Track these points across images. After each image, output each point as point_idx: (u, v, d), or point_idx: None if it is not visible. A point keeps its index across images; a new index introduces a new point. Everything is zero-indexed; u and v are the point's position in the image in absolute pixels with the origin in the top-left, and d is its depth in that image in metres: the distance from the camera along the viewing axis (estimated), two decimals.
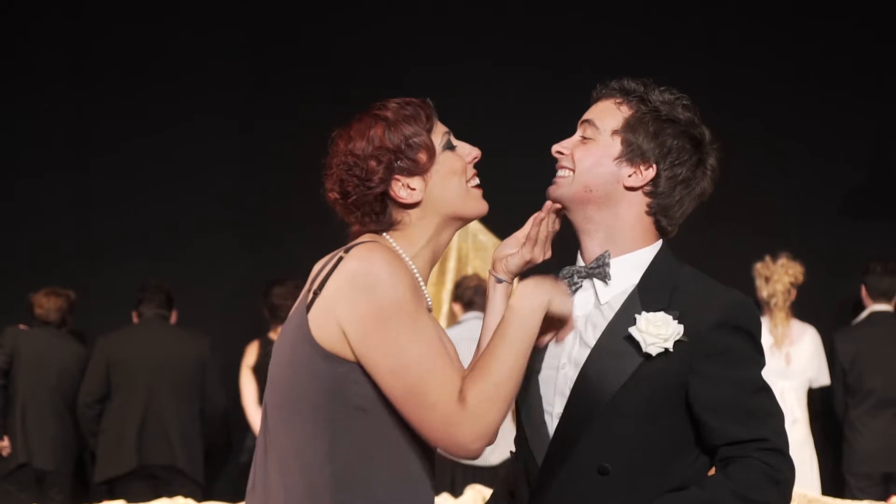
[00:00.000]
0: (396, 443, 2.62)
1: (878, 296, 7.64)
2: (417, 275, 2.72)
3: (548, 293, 2.64)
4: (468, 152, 2.77)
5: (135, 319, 7.71)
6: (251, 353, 7.60)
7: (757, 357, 2.71)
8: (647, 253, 2.78)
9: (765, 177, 8.04)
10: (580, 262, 2.82)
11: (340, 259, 2.65)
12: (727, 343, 2.67)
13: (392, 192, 2.69)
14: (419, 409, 2.55)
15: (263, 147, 8.51)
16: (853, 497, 6.90)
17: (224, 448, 8.11)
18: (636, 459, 2.65)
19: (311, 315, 2.64)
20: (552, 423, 2.72)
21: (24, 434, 7.58)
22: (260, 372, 7.54)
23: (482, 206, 2.78)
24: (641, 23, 8.40)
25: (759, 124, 8.09)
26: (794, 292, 7.44)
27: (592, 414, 2.66)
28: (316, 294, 2.65)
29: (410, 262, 2.72)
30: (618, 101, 2.81)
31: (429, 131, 2.72)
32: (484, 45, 8.26)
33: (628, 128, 2.77)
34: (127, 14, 8.55)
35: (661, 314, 2.66)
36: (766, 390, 2.70)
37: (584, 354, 2.72)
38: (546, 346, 2.76)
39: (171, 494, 6.49)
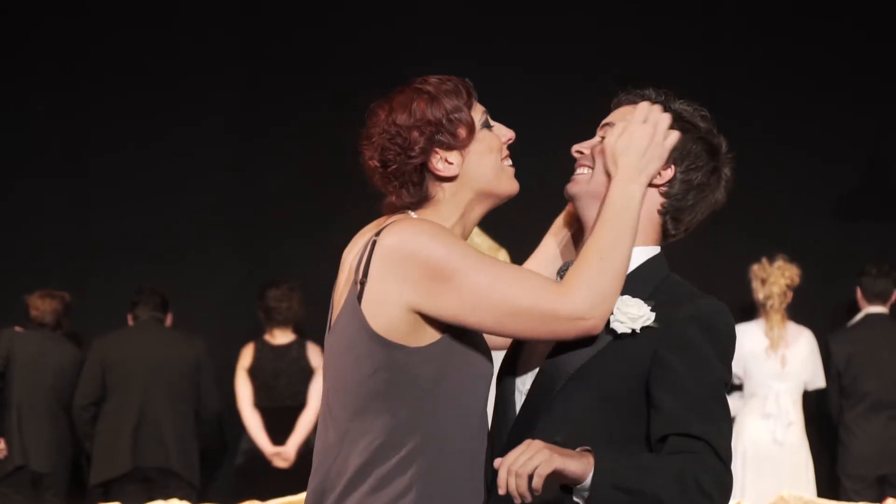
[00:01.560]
0: (462, 419, 2.68)
1: (872, 298, 7.65)
2: None
3: (659, 161, 2.73)
4: (505, 133, 2.82)
5: (130, 322, 7.71)
6: (246, 356, 7.60)
7: (720, 364, 2.70)
8: (644, 252, 2.80)
9: (761, 179, 8.04)
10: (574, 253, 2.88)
11: (374, 243, 2.68)
12: (695, 339, 2.68)
13: (430, 165, 2.74)
14: (522, 321, 2.62)
15: (259, 150, 8.50)
16: (848, 499, 6.91)
17: (219, 451, 8.11)
18: (586, 437, 2.64)
19: (364, 305, 2.67)
20: (520, 401, 2.77)
21: (20, 436, 7.57)
22: (255, 374, 7.55)
23: (514, 185, 2.83)
24: (639, 24, 8.40)
25: (754, 126, 8.08)
26: (790, 294, 7.45)
27: (554, 389, 2.70)
28: (363, 284, 2.68)
29: None
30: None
31: (469, 108, 2.77)
32: (482, 45, 8.26)
33: None
34: (125, 18, 8.54)
35: (636, 299, 2.70)
36: (722, 399, 2.70)
37: None
38: None
39: (165, 497, 6.48)
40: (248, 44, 8.61)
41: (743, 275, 7.51)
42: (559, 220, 3.03)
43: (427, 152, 2.73)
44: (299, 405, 7.53)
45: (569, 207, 2.98)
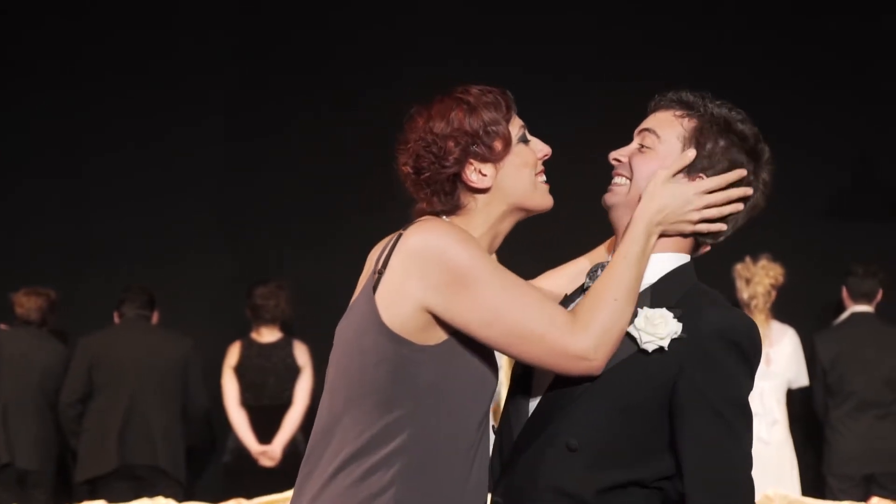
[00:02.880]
0: (458, 422, 2.67)
1: (859, 297, 7.67)
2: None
3: (686, 226, 2.74)
4: (541, 148, 2.83)
5: (116, 320, 7.70)
6: (233, 354, 7.60)
7: (745, 379, 2.71)
8: (674, 259, 2.80)
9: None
10: (608, 257, 2.87)
11: (400, 236, 2.69)
12: (720, 355, 2.67)
13: (464, 175, 2.75)
14: (529, 344, 2.63)
15: (248, 150, 8.51)
16: (834, 498, 6.92)
17: (206, 448, 8.11)
18: (605, 442, 2.66)
19: (379, 296, 2.67)
20: (534, 404, 2.75)
21: (7, 434, 7.56)
22: (242, 372, 7.54)
23: (548, 201, 2.84)
24: (637, 23, 8.41)
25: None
26: (774, 294, 7.47)
27: (574, 392, 2.68)
28: (380, 274, 2.68)
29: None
30: (678, 113, 2.81)
31: (507, 121, 2.77)
32: (481, 45, 8.26)
33: (692, 142, 2.78)
34: (121, 19, 8.55)
35: (662, 311, 2.68)
36: (748, 416, 2.70)
37: None
38: None
39: (152, 494, 6.48)
40: (243, 45, 8.62)
41: (727, 274, 7.52)
42: (601, 247, 3.04)
43: (462, 163, 2.74)
44: (286, 404, 7.53)
45: (611, 240, 2.97)
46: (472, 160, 2.74)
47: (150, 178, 8.48)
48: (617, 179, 2.83)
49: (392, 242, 2.70)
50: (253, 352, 7.57)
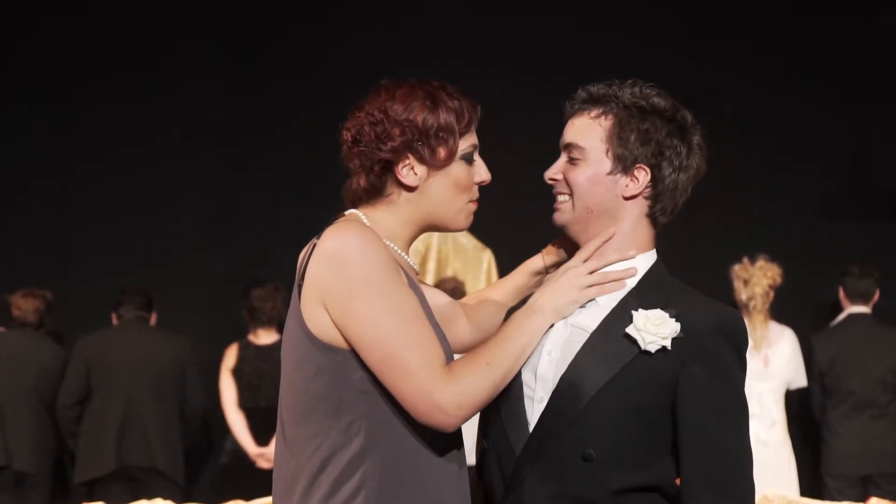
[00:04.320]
0: (411, 420, 2.62)
1: (855, 298, 7.67)
2: (399, 251, 2.73)
3: (570, 306, 2.72)
4: (482, 174, 2.77)
5: (114, 321, 7.69)
6: (230, 356, 7.59)
7: (740, 373, 2.73)
8: (645, 259, 2.80)
9: (743, 179, 8.07)
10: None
11: (315, 245, 2.65)
12: (719, 351, 2.69)
13: (396, 166, 2.70)
14: (397, 377, 2.56)
15: (243, 150, 8.51)
16: (831, 498, 6.93)
17: (204, 450, 8.10)
18: (621, 449, 2.67)
19: (302, 306, 2.64)
20: (533, 408, 2.73)
21: (4, 436, 7.55)
22: (239, 374, 7.54)
23: (464, 224, 2.79)
24: (624, 23, 8.41)
25: (737, 126, 8.11)
26: (772, 294, 7.47)
27: (581, 401, 2.67)
28: (300, 285, 2.65)
29: (389, 242, 2.71)
30: (593, 114, 2.80)
31: (461, 134, 2.72)
32: (480, 46, 8.26)
33: (614, 139, 2.77)
34: (118, 20, 8.54)
35: (659, 312, 2.68)
36: (745, 407, 2.73)
37: (575, 342, 2.73)
38: None
39: (150, 496, 6.47)
40: (238, 45, 8.62)
41: (724, 275, 7.52)
42: (537, 257, 3.03)
43: (398, 154, 2.68)
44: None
45: (551, 244, 2.99)
46: (409, 155, 2.69)
47: (147, 179, 8.47)
48: (560, 198, 2.82)
49: (310, 249, 2.66)
50: (250, 354, 7.57)
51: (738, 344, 2.72)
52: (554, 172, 2.82)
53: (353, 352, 2.60)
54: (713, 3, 8.54)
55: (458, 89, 2.74)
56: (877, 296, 7.68)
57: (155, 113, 8.49)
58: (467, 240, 7.91)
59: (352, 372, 2.61)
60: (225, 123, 8.55)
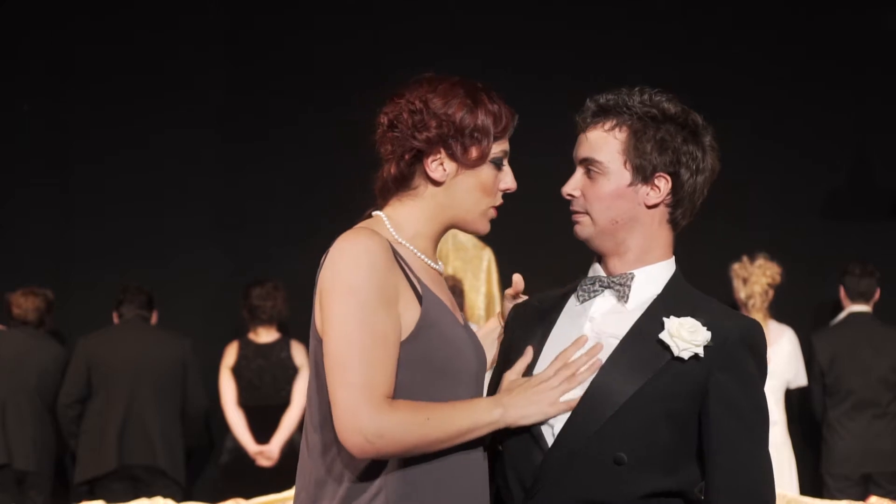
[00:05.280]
0: None
1: (856, 297, 7.66)
2: (418, 252, 2.73)
3: (537, 417, 2.68)
4: (507, 182, 2.77)
5: (115, 320, 7.69)
6: (230, 354, 7.59)
7: (761, 383, 2.78)
8: (667, 268, 2.83)
9: (745, 177, 8.06)
10: (600, 272, 2.84)
11: (330, 249, 2.67)
12: (745, 361, 2.73)
13: (426, 158, 2.71)
14: (338, 385, 2.54)
15: (244, 150, 8.51)
16: (832, 498, 6.93)
17: (204, 448, 8.11)
18: (651, 454, 2.69)
19: (315, 309, 2.66)
20: (559, 417, 2.72)
21: (4, 435, 7.55)
22: (239, 373, 7.54)
23: (483, 229, 2.80)
24: (624, 25, 8.41)
25: (737, 125, 8.10)
26: (771, 293, 7.46)
27: (612, 406, 2.68)
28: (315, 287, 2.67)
29: (408, 243, 2.71)
30: (606, 126, 2.80)
31: (496, 139, 2.72)
32: (474, 47, 8.26)
33: (631, 151, 2.77)
34: (113, 24, 8.55)
35: (692, 320, 2.71)
36: (767, 418, 2.78)
37: (601, 352, 2.74)
38: (544, 340, 2.80)
39: (151, 495, 6.48)
40: (237, 48, 8.62)
41: (724, 274, 7.52)
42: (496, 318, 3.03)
43: (431, 145, 2.69)
44: (283, 404, 7.53)
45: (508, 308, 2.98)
46: (442, 149, 2.69)
47: (147, 179, 8.47)
48: (578, 212, 2.82)
49: (326, 255, 2.68)
50: (250, 352, 7.57)
51: (761, 354, 2.77)
52: (572, 188, 2.82)
53: None
54: (713, 3, 8.53)
55: (500, 97, 2.76)
56: (877, 295, 7.68)
57: (155, 113, 8.49)
58: (467, 238, 7.90)
59: None
60: (225, 123, 8.55)
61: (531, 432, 2.72)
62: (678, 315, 2.72)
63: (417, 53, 8.17)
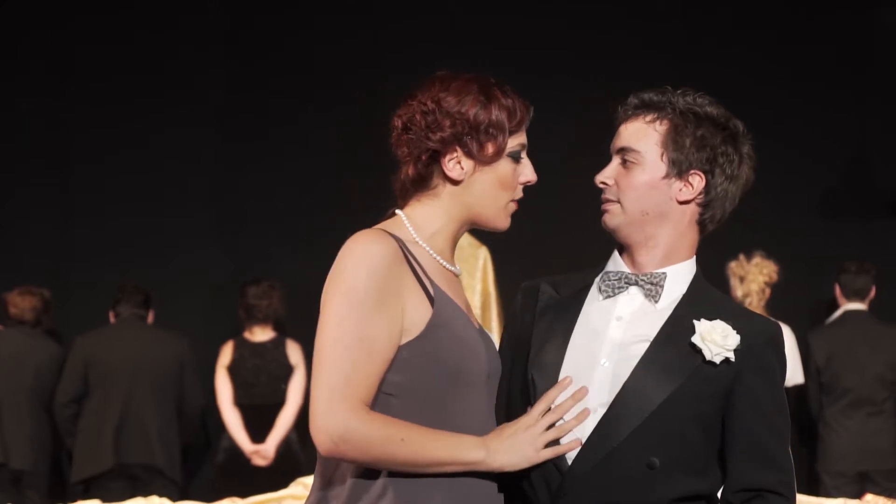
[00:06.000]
0: (440, 422, 2.61)
1: (851, 295, 7.67)
2: (436, 255, 2.72)
3: (522, 464, 2.64)
4: (527, 174, 2.76)
5: (112, 319, 7.69)
6: (226, 354, 7.59)
7: (783, 383, 2.81)
8: (690, 267, 2.83)
9: None
10: (622, 266, 2.82)
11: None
12: (771, 363, 2.76)
13: (443, 158, 2.69)
14: (319, 380, 2.55)
15: (243, 151, 8.51)
16: (828, 495, 6.93)
17: (201, 447, 8.10)
18: (684, 457, 2.70)
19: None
20: (587, 420, 2.71)
21: (1, 434, 7.55)
22: (235, 372, 7.54)
23: (504, 224, 2.78)
24: (624, 25, 8.41)
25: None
26: (768, 291, 7.47)
27: (644, 411, 2.68)
28: None
29: (425, 244, 2.70)
30: (647, 119, 2.80)
31: (512, 133, 2.71)
32: (471, 47, 8.26)
33: (670, 144, 2.77)
34: (113, 24, 8.55)
35: (722, 323, 2.71)
36: (789, 419, 2.80)
37: (631, 353, 2.73)
38: (559, 344, 2.78)
39: (147, 494, 6.47)
40: (236, 48, 8.62)
41: (721, 272, 7.52)
42: None
43: (447, 145, 2.68)
44: (279, 403, 7.52)
45: None
46: (458, 148, 2.68)
47: (146, 179, 8.47)
48: (609, 204, 2.81)
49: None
50: (246, 351, 7.56)
51: (784, 357, 2.79)
52: (606, 176, 2.81)
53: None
54: (713, 3, 8.53)
55: (512, 90, 2.74)
56: (873, 293, 7.69)
57: (154, 113, 8.49)
58: (463, 237, 7.89)
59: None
60: (224, 124, 8.55)
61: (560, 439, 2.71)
62: (705, 316, 2.73)
63: (417, 53, 8.17)
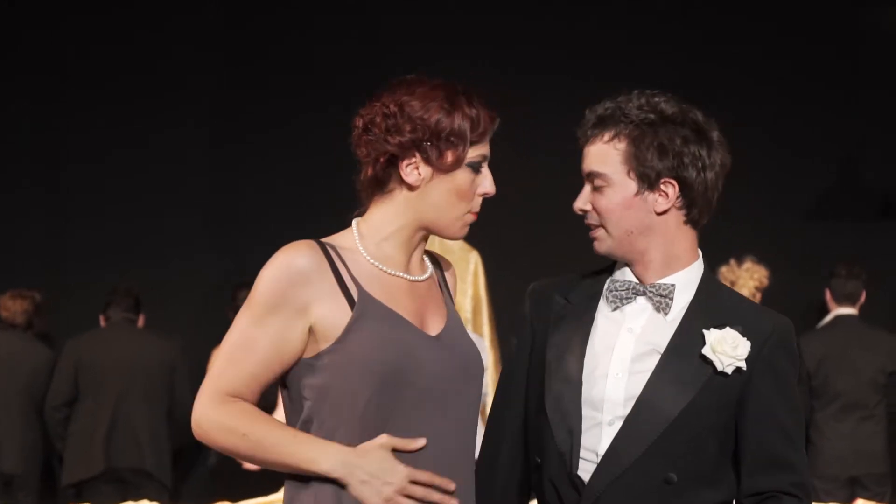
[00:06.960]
0: (354, 427, 2.61)
1: (842, 299, 7.67)
2: (374, 261, 2.69)
3: (368, 501, 2.59)
4: (485, 186, 2.72)
5: (102, 323, 7.68)
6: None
7: (796, 383, 2.81)
8: (697, 269, 2.81)
9: (734, 179, 8.07)
10: (630, 276, 2.80)
11: None
12: (783, 365, 2.75)
13: (401, 163, 2.68)
14: (209, 372, 2.69)
15: (236, 152, 8.51)
16: (818, 499, 6.93)
17: (192, 451, 8.09)
18: (700, 470, 2.70)
19: None
20: (602, 431, 2.71)
21: None
22: None
23: (458, 234, 2.76)
24: (624, 24, 8.42)
25: (726, 125, 8.11)
26: (758, 296, 7.47)
27: (660, 425, 2.67)
28: None
29: (364, 251, 2.70)
30: (605, 138, 2.77)
31: (473, 143, 2.69)
32: (468, 47, 8.27)
33: (633, 160, 2.74)
34: (106, 25, 8.55)
35: (731, 332, 2.70)
36: (802, 420, 2.80)
37: (644, 365, 2.72)
38: (577, 356, 2.76)
39: (138, 497, 6.47)
40: (230, 49, 8.62)
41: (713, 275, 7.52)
42: None
43: (405, 150, 2.66)
44: (270, 406, 7.51)
45: None
46: (416, 153, 2.66)
47: (139, 181, 8.47)
48: (593, 227, 2.80)
49: None
50: None
51: (796, 355, 2.78)
52: (582, 203, 2.80)
53: (307, 361, 2.64)
54: (713, 3, 8.54)
55: (480, 99, 2.71)
56: (863, 297, 7.69)
57: (148, 114, 8.49)
58: (454, 241, 7.90)
59: (302, 380, 2.67)
60: (218, 125, 8.56)
61: (571, 445, 2.70)
62: (714, 322, 2.71)
63: (417, 53, 8.18)
